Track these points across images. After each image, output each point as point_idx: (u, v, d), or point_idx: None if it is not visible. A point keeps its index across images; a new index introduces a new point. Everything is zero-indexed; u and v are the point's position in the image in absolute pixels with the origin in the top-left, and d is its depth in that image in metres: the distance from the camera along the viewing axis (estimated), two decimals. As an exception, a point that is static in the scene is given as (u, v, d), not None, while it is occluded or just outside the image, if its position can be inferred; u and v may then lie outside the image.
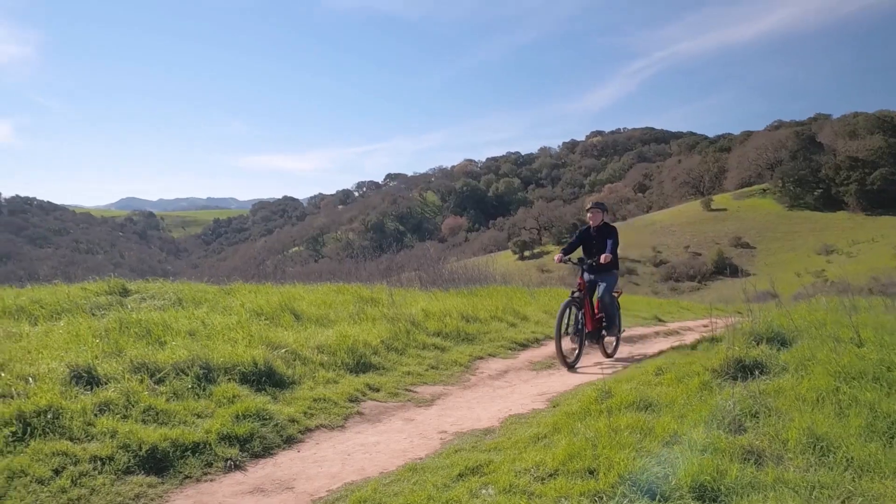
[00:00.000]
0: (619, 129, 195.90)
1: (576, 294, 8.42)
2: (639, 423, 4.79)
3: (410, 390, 6.82)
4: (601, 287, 8.57)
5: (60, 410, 4.74)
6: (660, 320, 15.17)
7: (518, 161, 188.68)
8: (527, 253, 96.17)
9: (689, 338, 11.08)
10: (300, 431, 5.40)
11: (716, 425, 4.66)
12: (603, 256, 8.22)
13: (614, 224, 9.03)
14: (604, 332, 8.66)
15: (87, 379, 5.43)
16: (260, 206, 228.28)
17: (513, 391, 6.99)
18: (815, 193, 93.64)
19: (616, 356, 9.08)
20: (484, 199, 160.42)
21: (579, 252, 8.90)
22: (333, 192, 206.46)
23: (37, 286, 9.76)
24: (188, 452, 4.65)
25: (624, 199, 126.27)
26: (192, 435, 4.80)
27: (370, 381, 6.79)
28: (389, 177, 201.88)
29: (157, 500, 4.10)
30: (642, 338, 11.27)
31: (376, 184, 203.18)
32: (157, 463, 4.49)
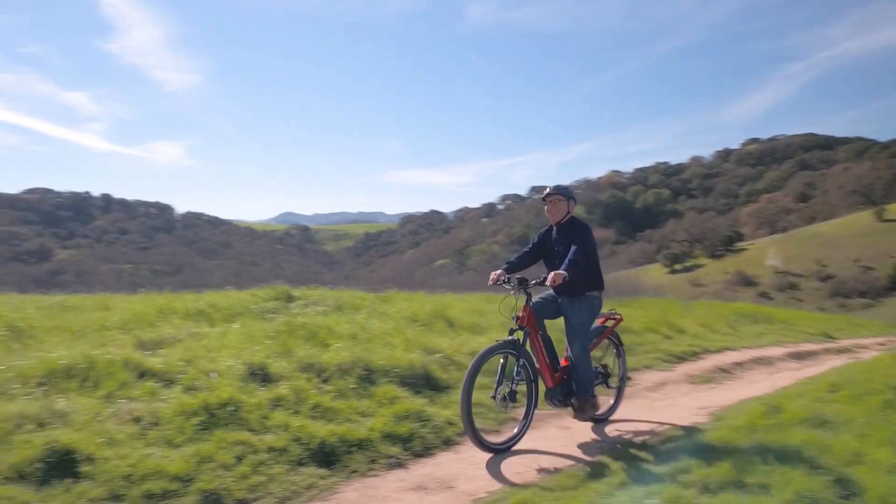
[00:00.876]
0: (777, 135, 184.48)
1: (514, 334, 5.34)
2: (813, 441, 4.51)
3: (564, 399, 6.77)
4: (568, 329, 5.61)
5: (239, 404, 5.12)
6: (829, 337, 14.13)
7: (667, 171, 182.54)
8: (678, 266, 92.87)
9: (865, 356, 10.28)
10: (457, 434, 5.50)
11: (904, 446, 4.30)
12: (551, 276, 5.15)
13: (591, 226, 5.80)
14: (572, 397, 5.58)
15: (261, 376, 5.83)
16: (407, 219, 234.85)
17: (671, 404, 6.77)
18: None
19: (614, 416, 6.18)
20: (631, 211, 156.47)
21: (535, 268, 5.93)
22: (478, 205, 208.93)
23: (212, 292, 10.57)
24: (353, 448, 4.87)
25: (784, 209, 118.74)
26: (356, 432, 5.02)
27: (524, 388, 6.79)
28: (534, 189, 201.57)
29: (328, 491, 4.31)
30: (811, 354, 10.56)
31: (520, 196, 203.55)
32: (326, 457, 4.72)
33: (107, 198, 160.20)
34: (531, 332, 5.45)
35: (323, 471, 4.55)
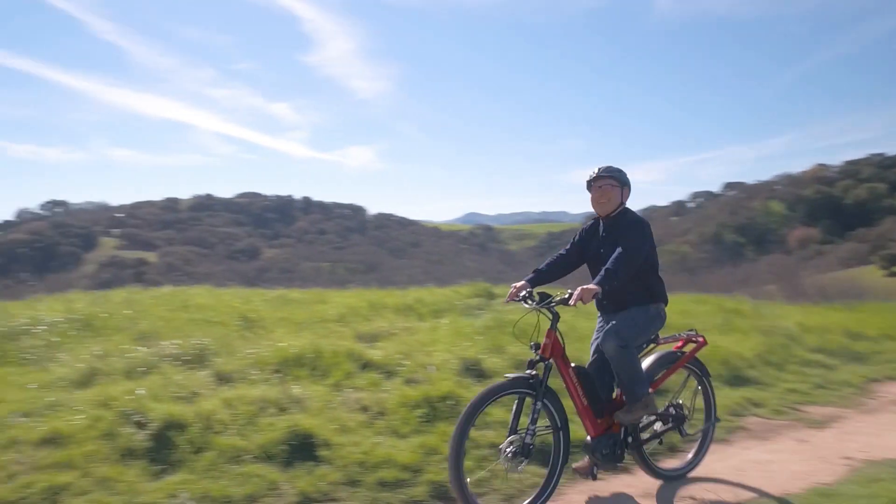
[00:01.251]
0: None
1: (535, 366, 4.02)
2: None
3: (797, 409, 6.24)
4: (609, 327, 4.28)
5: (458, 398, 5.15)
6: None
7: (883, 163, 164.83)
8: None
9: None
10: (679, 442, 5.19)
11: None
12: (578, 292, 3.83)
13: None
14: (626, 449, 4.27)
15: (476, 372, 5.87)
16: (591, 219, 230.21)
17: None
18: None
19: (693, 473, 4.59)
20: (839, 208, 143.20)
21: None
22: (666, 203, 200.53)
23: (416, 288, 10.88)
24: (576, 450, 4.65)
25: None
26: (578, 433, 4.80)
27: (750, 396, 6.34)
28: (728, 186, 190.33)
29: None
30: None
31: (712, 194, 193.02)
32: (547, 457, 4.54)
33: (307, 200, 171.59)
34: (559, 364, 4.14)
35: (545, 470, 4.43)
